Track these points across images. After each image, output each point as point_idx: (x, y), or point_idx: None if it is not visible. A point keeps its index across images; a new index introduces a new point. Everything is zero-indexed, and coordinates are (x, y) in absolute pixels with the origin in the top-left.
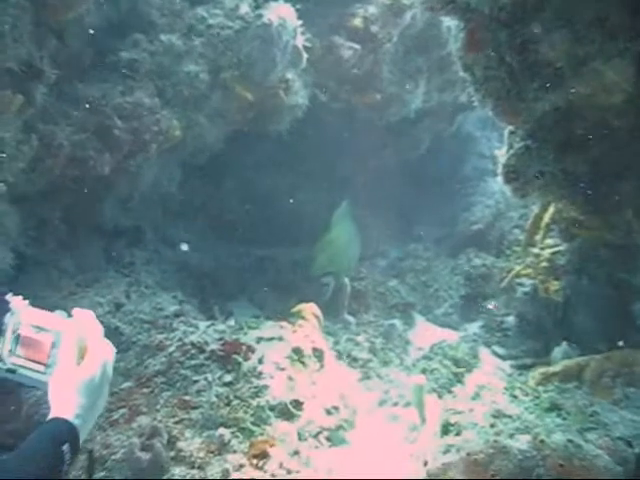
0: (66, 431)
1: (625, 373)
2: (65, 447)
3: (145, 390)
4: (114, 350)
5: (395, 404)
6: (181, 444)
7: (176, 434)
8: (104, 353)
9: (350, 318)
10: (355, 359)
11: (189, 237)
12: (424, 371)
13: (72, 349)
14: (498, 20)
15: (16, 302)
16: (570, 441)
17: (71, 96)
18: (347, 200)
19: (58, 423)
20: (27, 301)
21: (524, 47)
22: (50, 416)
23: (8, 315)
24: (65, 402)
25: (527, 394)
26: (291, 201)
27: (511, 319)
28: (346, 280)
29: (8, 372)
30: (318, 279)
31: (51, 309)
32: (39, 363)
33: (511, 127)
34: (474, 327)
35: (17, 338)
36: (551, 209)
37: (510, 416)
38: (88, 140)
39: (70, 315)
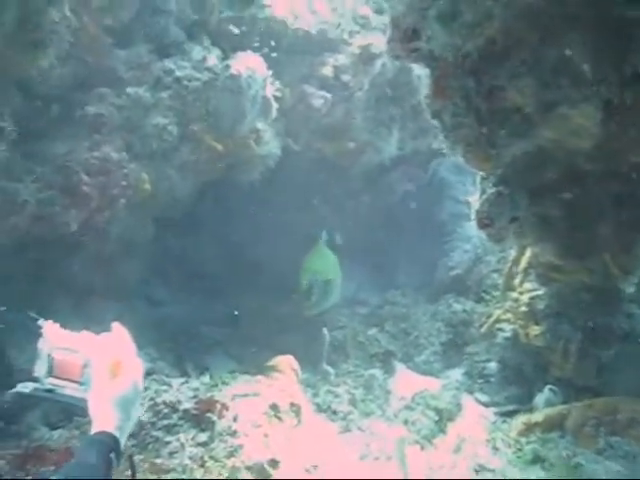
0: (111, 442)
1: (608, 421)
2: (112, 455)
3: None
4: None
5: (376, 458)
6: None
7: None
8: (135, 369)
9: (329, 369)
10: (335, 412)
11: (164, 291)
12: (406, 422)
13: (105, 367)
14: (463, 67)
15: (48, 327)
16: None
17: (36, 152)
18: (326, 231)
19: (104, 436)
20: (58, 325)
21: (491, 93)
22: (94, 429)
23: (41, 340)
24: (106, 417)
25: (509, 445)
26: None
27: (493, 365)
28: (324, 330)
29: (47, 392)
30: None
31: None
32: (74, 382)
33: (483, 173)
34: (456, 374)
35: (51, 360)
36: (528, 253)
37: (492, 470)
38: (54, 197)
39: (105, 331)
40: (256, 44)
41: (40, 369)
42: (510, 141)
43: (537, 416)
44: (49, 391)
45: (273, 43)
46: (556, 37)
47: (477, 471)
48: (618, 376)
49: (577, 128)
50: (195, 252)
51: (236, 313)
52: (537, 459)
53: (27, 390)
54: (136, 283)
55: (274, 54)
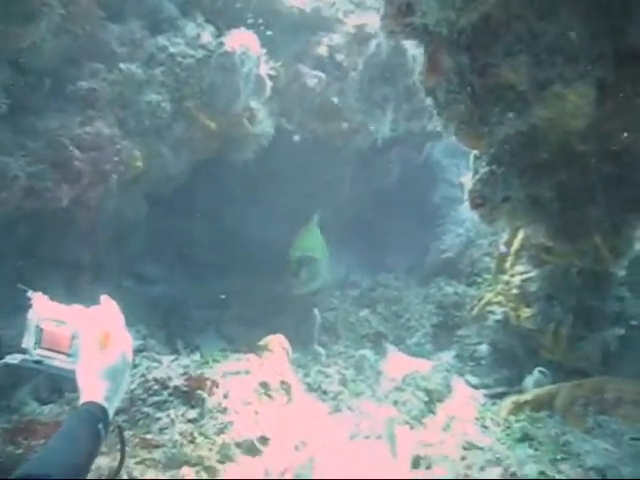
0: (99, 412)
1: (596, 401)
2: (100, 425)
3: None
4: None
5: (366, 437)
6: None
7: (137, 475)
8: (124, 341)
9: (320, 349)
10: (325, 392)
11: (156, 270)
12: (396, 403)
13: (93, 338)
14: (458, 43)
15: (37, 298)
16: (542, 473)
17: (27, 127)
18: (318, 212)
19: (91, 406)
20: (47, 297)
21: (485, 70)
22: (81, 400)
23: (30, 311)
24: (94, 387)
25: (498, 424)
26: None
27: (484, 347)
28: (316, 311)
29: (35, 363)
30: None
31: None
32: (62, 353)
33: (476, 152)
34: (447, 356)
35: (40, 332)
36: (520, 236)
37: (481, 448)
38: (45, 171)
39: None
40: (250, 21)
41: (28, 340)
42: (503, 119)
43: (526, 396)
44: (37, 362)
45: (261, 20)
46: (551, 14)
47: (466, 449)
48: (622, 362)
49: (571, 107)
50: (187, 231)
51: (223, 297)
52: (526, 437)
53: (15, 361)
54: (127, 261)
55: (269, 32)
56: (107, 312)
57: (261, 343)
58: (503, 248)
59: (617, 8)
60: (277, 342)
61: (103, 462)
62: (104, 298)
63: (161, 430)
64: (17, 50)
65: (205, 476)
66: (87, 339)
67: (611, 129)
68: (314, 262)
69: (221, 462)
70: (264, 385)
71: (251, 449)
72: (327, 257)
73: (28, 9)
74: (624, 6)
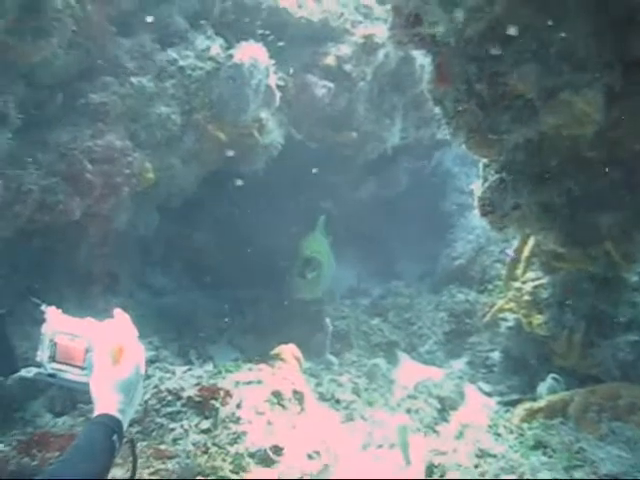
0: (113, 424)
1: (610, 407)
2: (114, 437)
3: None
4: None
5: (379, 446)
6: None
7: None
8: (137, 354)
9: (332, 358)
10: (338, 400)
11: (167, 281)
12: (409, 411)
13: (107, 352)
14: (466, 53)
15: (50, 312)
16: None
17: (40, 140)
18: (324, 216)
19: (106, 418)
20: (60, 310)
21: (493, 79)
22: (96, 413)
23: (44, 325)
24: (108, 400)
25: (512, 432)
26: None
27: (496, 355)
28: (327, 320)
29: (49, 377)
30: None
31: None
32: (76, 367)
33: (485, 160)
34: (459, 363)
35: (54, 345)
36: (531, 242)
37: (494, 455)
38: (57, 184)
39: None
40: (259, 31)
41: (43, 354)
42: (512, 127)
43: (539, 403)
44: (51, 376)
45: (268, 32)
46: (558, 22)
47: (479, 457)
48: (635, 368)
49: (579, 114)
50: (197, 241)
51: (226, 306)
52: (539, 444)
53: (30, 374)
54: (139, 272)
55: (281, 43)
56: (120, 325)
57: (273, 353)
58: (510, 252)
59: (623, 15)
60: (289, 351)
61: (118, 473)
62: (117, 311)
63: (175, 441)
64: (30, 65)
65: None
66: (100, 352)
67: (620, 135)
68: (320, 265)
69: (234, 472)
70: (277, 395)
71: (264, 459)
72: (332, 266)
73: (40, 25)
74: (630, 13)
